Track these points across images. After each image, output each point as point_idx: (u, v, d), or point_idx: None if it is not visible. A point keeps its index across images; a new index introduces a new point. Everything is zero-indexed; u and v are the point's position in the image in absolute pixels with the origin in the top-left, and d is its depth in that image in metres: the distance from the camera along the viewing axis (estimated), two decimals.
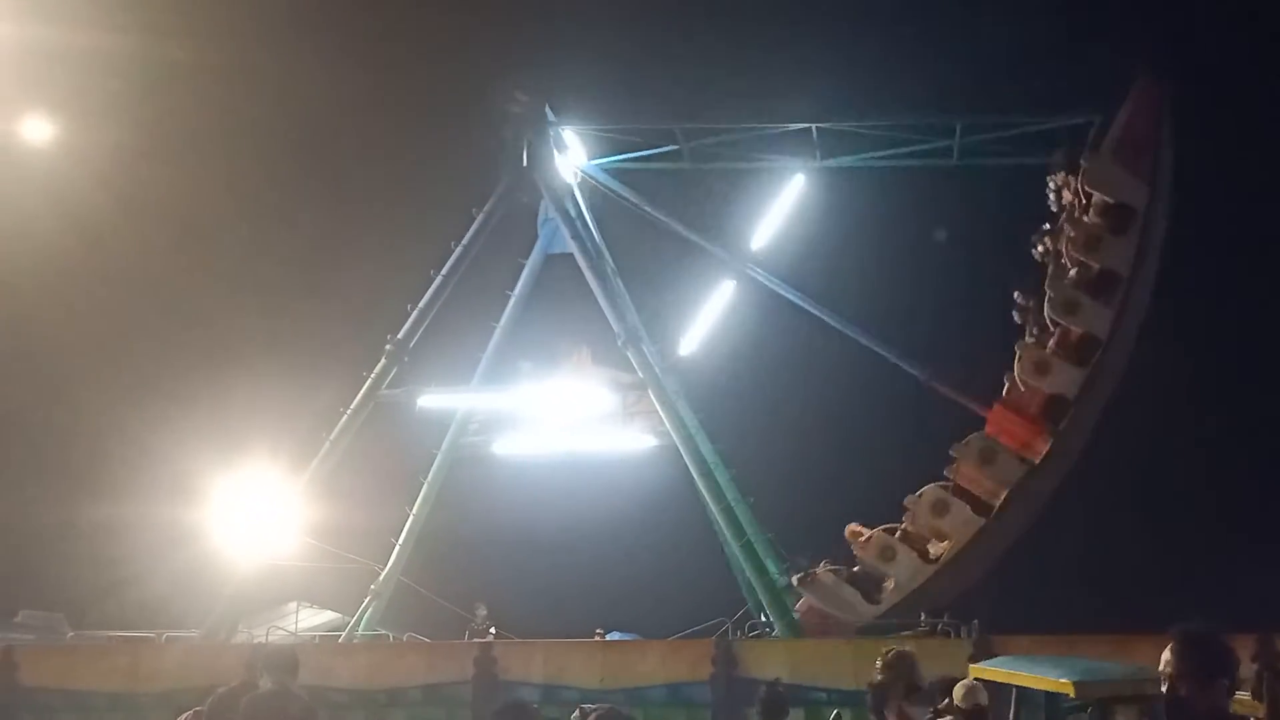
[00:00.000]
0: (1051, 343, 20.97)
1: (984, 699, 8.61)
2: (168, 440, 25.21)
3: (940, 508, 20.36)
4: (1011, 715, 10.53)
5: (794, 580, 21.02)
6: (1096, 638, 16.07)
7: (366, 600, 23.39)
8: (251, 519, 22.46)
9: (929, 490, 20.48)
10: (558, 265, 25.82)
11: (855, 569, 20.79)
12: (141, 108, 24.85)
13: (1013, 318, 22.24)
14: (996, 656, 13.20)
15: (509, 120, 24.78)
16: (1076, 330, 20.79)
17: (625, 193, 25.35)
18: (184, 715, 7.39)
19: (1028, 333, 21.73)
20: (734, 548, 22.38)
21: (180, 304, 26.50)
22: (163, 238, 26.32)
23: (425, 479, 24.56)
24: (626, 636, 21.47)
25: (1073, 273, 21.11)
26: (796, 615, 20.85)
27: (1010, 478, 20.31)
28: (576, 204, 25.58)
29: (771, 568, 21.56)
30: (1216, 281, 25.81)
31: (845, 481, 23.90)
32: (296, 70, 27.18)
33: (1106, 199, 21.08)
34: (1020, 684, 10.63)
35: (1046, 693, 10.55)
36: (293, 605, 23.18)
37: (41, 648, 19.94)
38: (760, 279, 24.49)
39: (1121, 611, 18.39)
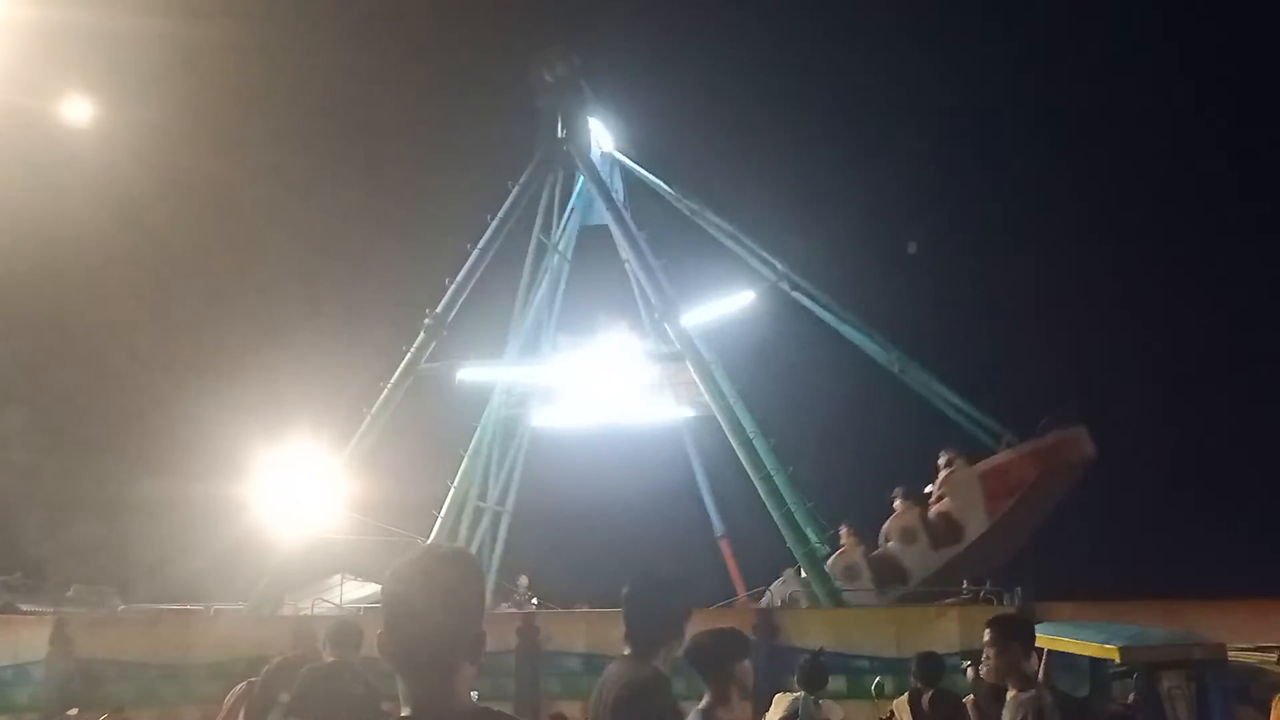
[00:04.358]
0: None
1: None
2: (213, 416, 25.57)
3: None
4: (1040, 676, 10.50)
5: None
6: (1141, 603, 15.94)
7: None
8: (295, 493, 22.71)
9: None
10: (594, 237, 25.82)
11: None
12: (177, 88, 25.03)
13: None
14: (1041, 623, 13.15)
15: (544, 91, 24.72)
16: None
17: (648, 174, 25.33)
18: (238, 686, 7.45)
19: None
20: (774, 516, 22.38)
21: (222, 281, 26.77)
22: (202, 216, 26.57)
23: (465, 452, 24.72)
24: None
25: (890, 543, 21.17)
26: None
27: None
28: (613, 175, 25.52)
29: (812, 536, 21.56)
30: None
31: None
32: (331, 47, 27.26)
33: (950, 504, 20.95)
34: (1065, 649, 10.59)
35: (1092, 658, 10.52)
36: (337, 578, 23.44)
37: (94, 620, 20.30)
38: (787, 291, 24.25)
39: (1164, 577, 18.27)
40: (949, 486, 21.09)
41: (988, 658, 5.84)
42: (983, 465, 21.15)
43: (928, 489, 21.44)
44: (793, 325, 24.37)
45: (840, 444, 24.76)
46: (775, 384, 25.15)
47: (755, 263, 24.62)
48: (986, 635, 5.83)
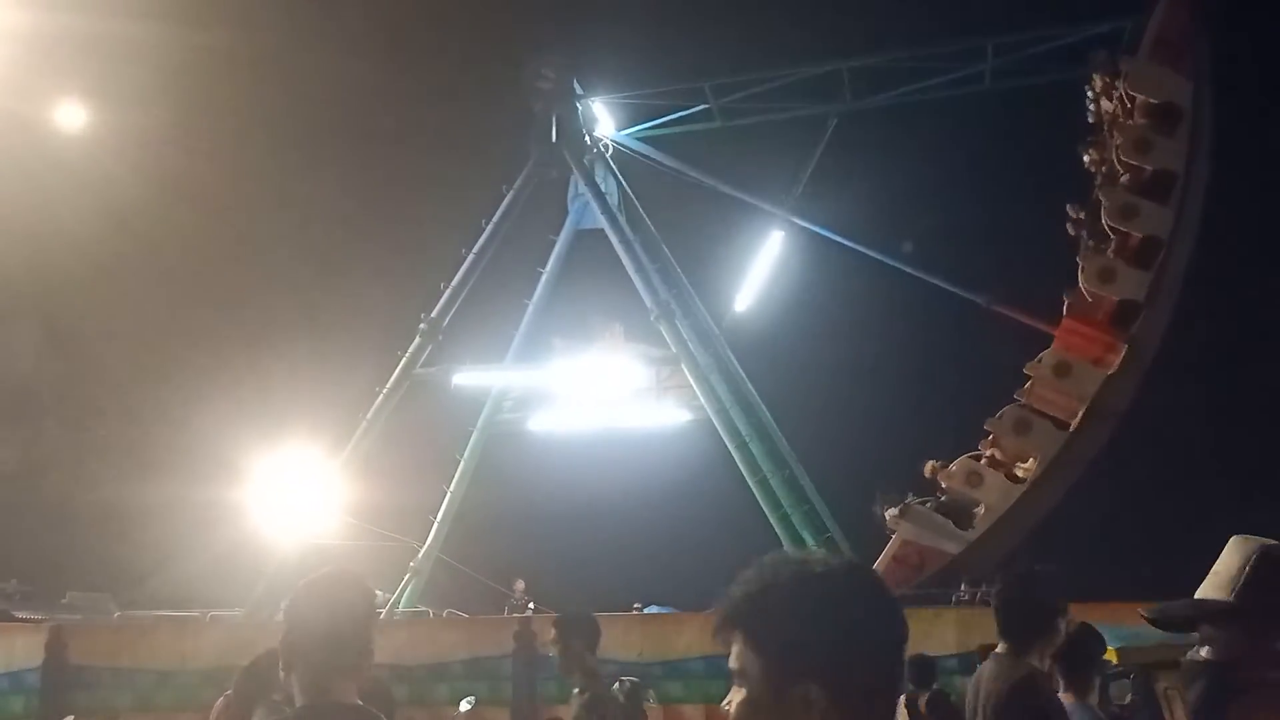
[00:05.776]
0: (1111, 249, 20.73)
1: None
2: (208, 422, 25.52)
3: (1022, 426, 20.11)
4: None
5: (890, 514, 20.62)
6: (1137, 605, 15.88)
7: (406, 578, 23.58)
8: (291, 499, 22.69)
9: (1009, 410, 20.18)
10: (589, 241, 25.82)
11: (942, 499, 20.58)
12: (172, 95, 24.99)
13: (1065, 234, 21.91)
14: None
15: (537, 96, 24.74)
16: (1137, 234, 20.47)
17: (661, 158, 25.23)
18: (218, 701, 7.38)
19: (1083, 244, 21.44)
20: (771, 520, 22.35)
21: (217, 287, 26.72)
22: (198, 222, 26.50)
23: (461, 456, 24.70)
24: (664, 610, 21.52)
25: (1125, 178, 20.92)
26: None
27: (1089, 388, 19.97)
28: (606, 178, 25.53)
29: (808, 540, 21.52)
30: (1266, 183, 24.95)
31: (917, 418, 23.52)
32: (325, 52, 27.23)
33: (1151, 100, 20.89)
34: None
35: None
36: None
37: (89, 627, 20.25)
38: (806, 227, 24.21)
39: (1161, 578, 18.25)
40: (1131, 83, 21.02)
41: (554, 654, 6.00)
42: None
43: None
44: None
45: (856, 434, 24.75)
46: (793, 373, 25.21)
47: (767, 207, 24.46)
48: (551, 634, 5.92)
